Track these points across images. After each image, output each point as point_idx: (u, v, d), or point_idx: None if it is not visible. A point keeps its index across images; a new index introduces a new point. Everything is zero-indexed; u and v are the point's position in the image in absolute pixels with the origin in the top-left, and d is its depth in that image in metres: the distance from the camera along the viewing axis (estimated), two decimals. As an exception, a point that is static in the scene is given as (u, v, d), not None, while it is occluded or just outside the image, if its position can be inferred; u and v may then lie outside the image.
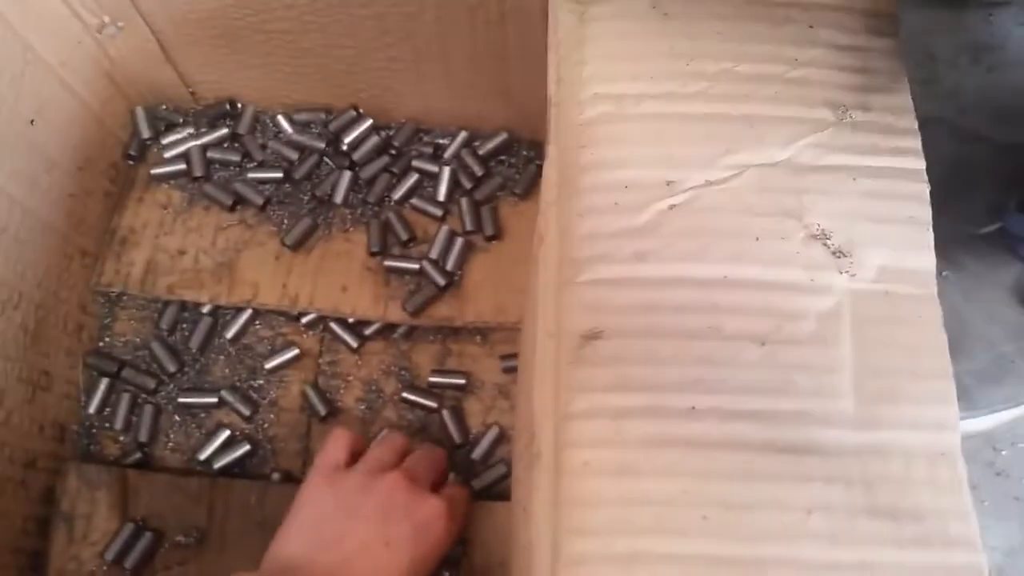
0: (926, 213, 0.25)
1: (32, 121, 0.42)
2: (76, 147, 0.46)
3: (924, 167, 0.25)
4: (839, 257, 0.25)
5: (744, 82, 0.26)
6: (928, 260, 0.25)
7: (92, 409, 0.45)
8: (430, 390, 0.46)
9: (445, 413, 0.45)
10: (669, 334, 0.25)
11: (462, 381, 0.46)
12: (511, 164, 0.50)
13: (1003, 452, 0.44)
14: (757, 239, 0.25)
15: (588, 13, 0.28)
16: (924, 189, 0.25)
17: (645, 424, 0.24)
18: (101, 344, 0.47)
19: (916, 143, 0.26)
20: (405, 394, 0.45)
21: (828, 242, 0.25)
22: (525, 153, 0.50)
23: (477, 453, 0.44)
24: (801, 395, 0.24)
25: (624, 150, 0.26)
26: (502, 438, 0.45)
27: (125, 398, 0.45)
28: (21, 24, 0.41)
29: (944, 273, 0.40)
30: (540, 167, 0.47)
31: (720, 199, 0.25)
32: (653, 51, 0.27)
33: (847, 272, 0.25)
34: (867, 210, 0.25)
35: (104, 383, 0.45)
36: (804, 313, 0.24)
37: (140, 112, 0.51)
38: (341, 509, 0.37)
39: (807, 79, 0.26)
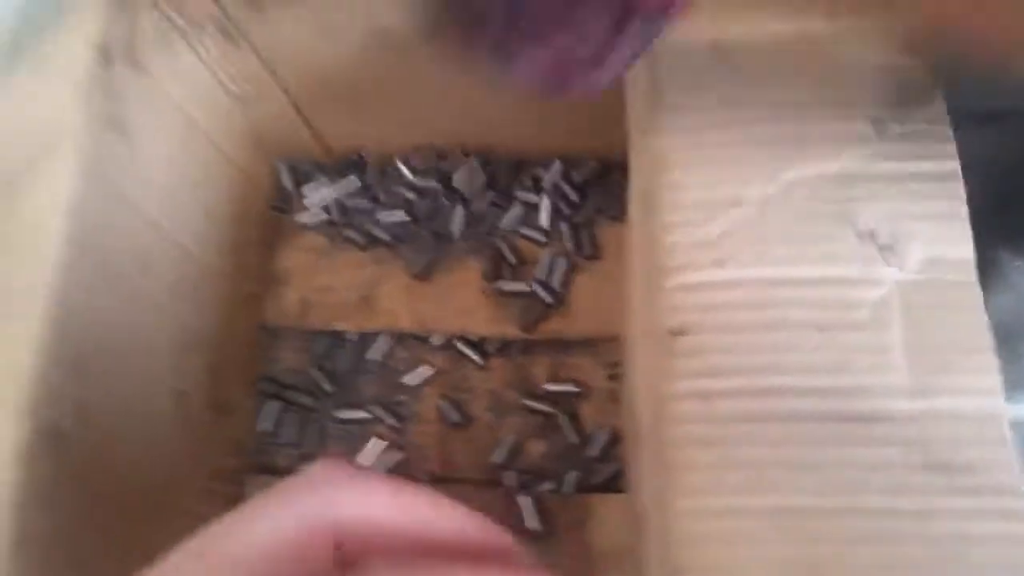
0: (963, 209, 0.29)
1: (196, 183, 0.51)
2: (231, 202, 0.54)
3: (959, 168, 0.29)
4: (887, 253, 0.29)
5: (795, 108, 0.31)
6: (966, 250, 0.28)
7: (265, 428, 0.53)
8: (547, 397, 0.51)
9: (561, 417, 0.50)
10: (744, 327, 0.29)
11: (575, 388, 0.51)
12: (605, 189, 0.55)
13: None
14: (814, 242, 0.29)
15: (660, 63, 0.34)
16: (959, 187, 0.29)
17: (729, 402, 0.29)
18: (269, 371, 0.55)
19: (951, 147, 0.30)
20: (525, 401, 0.51)
21: (876, 240, 0.29)
22: (617, 178, 0.56)
23: (593, 451, 0.50)
24: (859, 372, 0.28)
25: (697, 172, 0.31)
26: (615, 437, 0.50)
27: (292, 417, 0.53)
28: (183, 100, 0.49)
29: (1017, 263, 0.43)
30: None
31: (781, 209, 0.30)
32: (717, 91, 0.32)
33: (895, 266, 0.29)
34: (910, 210, 0.29)
35: (273, 405, 0.53)
36: (858, 303, 0.29)
37: (282, 167, 0.59)
38: None
39: (851, 98, 0.31)
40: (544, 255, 0.53)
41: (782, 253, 0.30)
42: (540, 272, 0.53)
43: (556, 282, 0.52)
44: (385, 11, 0.48)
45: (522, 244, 0.55)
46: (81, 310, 0.43)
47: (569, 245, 0.53)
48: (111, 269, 0.44)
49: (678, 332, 0.30)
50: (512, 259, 0.54)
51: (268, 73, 0.52)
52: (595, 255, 0.53)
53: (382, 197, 0.58)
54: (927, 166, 0.30)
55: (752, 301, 0.29)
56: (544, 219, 0.55)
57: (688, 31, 0.32)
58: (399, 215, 0.57)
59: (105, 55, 0.42)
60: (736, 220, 0.31)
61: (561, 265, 0.53)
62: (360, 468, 0.22)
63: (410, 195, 0.57)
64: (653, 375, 0.30)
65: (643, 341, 0.32)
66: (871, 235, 0.29)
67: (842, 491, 0.27)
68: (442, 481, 0.46)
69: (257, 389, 0.54)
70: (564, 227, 0.54)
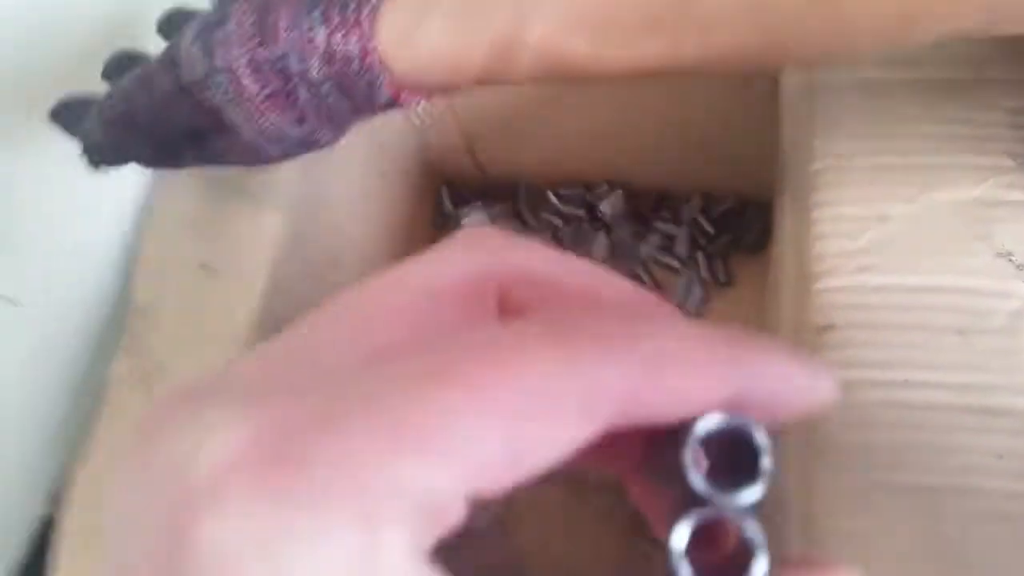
0: (1094, 234, 0.32)
1: (376, 198, 0.58)
2: (402, 216, 0.61)
3: (1092, 198, 0.33)
4: (1022, 270, 0.32)
5: (937, 140, 0.35)
6: (1098, 270, 0.32)
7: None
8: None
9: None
10: (887, 327, 0.33)
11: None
12: (741, 223, 0.60)
13: None
14: (953, 257, 0.33)
15: (815, 90, 0.38)
16: (1092, 215, 0.32)
17: (869, 391, 0.32)
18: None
19: (1085, 180, 0.33)
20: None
21: (1012, 259, 0.33)
22: (752, 213, 0.60)
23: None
24: (994, 371, 0.31)
25: (845, 191, 0.36)
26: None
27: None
28: (376, 124, 0.57)
29: None
30: (765, 225, 0.56)
31: (923, 226, 0.34)
32: (867, 122, 0.37)
33: (1030, 281, 0.32)
34: (1045, 233, 0.33)
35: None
36: (995, 312, 0.32)
37: (444, 190, 0.66)
38: None
39: (989, 135, 0.35)
40: (680, 281, 0.58)
41: (923, 264, 0.33)
42: (676, 296, 0.57)
43: (691, 305, 0.57)
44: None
45: (660, 271, 0.60)
46: (286, 292, 0.50)
47: (705, 273, 0.58)
48: (310, 262, 0.51)
49: (825, 328, 0.34)
50: (649, 283, 0.59)
51: (447, 105, 0.60)
52: (729, 282, 0.57)
53: (531, 222, 0.64)
54: (1062, 195, 0.33)
55: (894, 304, 0.33)
56: (682, 248, 0.59)
57: (844, 71, 0.37)
58: (545, 238, 0.63)
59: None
60: (881, 233, 0.35)
61: (696, 290, 0.57)
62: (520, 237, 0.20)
63: (556, 221, 0.63)
64: (798, 367, 0.34)
65: (792, 337, 0.36)
66: (1008, 255, 0.33)
67: (971, 473, 0.30)
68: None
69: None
70: (700, 256, 0.58)
